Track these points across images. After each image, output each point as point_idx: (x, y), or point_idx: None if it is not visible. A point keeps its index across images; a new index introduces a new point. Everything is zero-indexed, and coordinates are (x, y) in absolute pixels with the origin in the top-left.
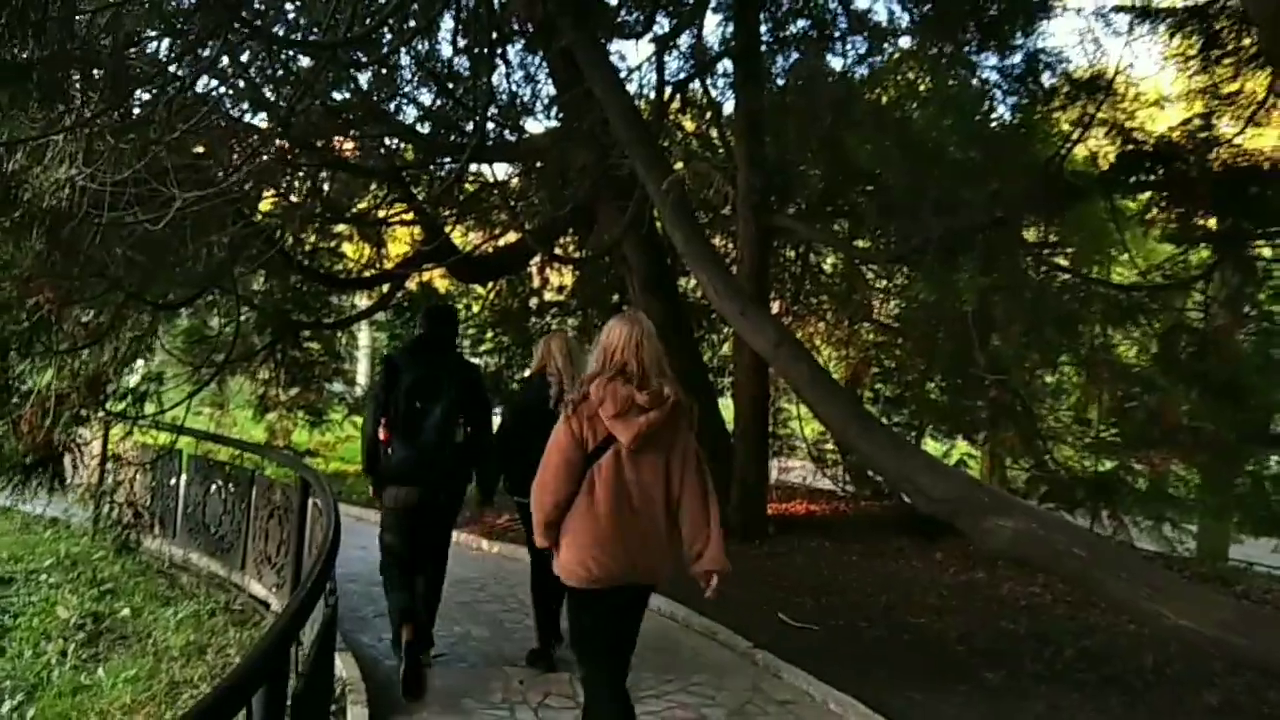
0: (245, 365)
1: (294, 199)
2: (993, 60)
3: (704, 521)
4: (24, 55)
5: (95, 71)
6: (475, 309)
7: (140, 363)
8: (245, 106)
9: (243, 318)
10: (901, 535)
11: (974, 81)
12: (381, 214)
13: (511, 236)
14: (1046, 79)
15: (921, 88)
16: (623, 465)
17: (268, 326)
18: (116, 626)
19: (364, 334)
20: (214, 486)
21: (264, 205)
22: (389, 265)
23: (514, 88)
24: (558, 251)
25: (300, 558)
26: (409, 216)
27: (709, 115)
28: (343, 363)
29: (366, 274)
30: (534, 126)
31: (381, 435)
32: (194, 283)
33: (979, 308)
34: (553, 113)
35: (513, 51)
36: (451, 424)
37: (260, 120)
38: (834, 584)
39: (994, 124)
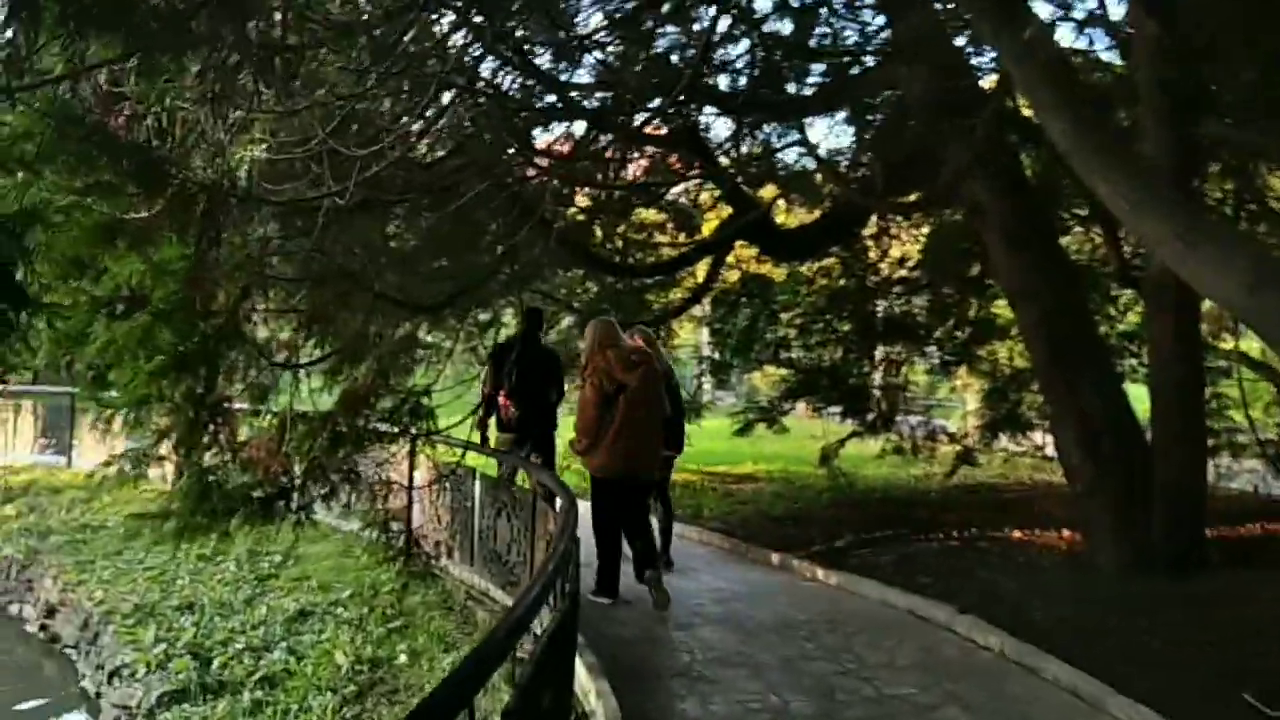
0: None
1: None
2: None
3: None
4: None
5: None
6: (804, 292)
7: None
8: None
9: (565, 323)
10: None
11: None
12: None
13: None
14: None
15: None
16: (631, 401)
17: None
18: (390, 677)
19: (689, 333)
20: (502, 510)
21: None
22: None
23: (838, 31)
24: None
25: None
26: (717, 194)
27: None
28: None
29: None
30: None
31: (501, 399)
32: (455, 283)
33: None
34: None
35: None
36: (546, 390)
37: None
38: None
39: None
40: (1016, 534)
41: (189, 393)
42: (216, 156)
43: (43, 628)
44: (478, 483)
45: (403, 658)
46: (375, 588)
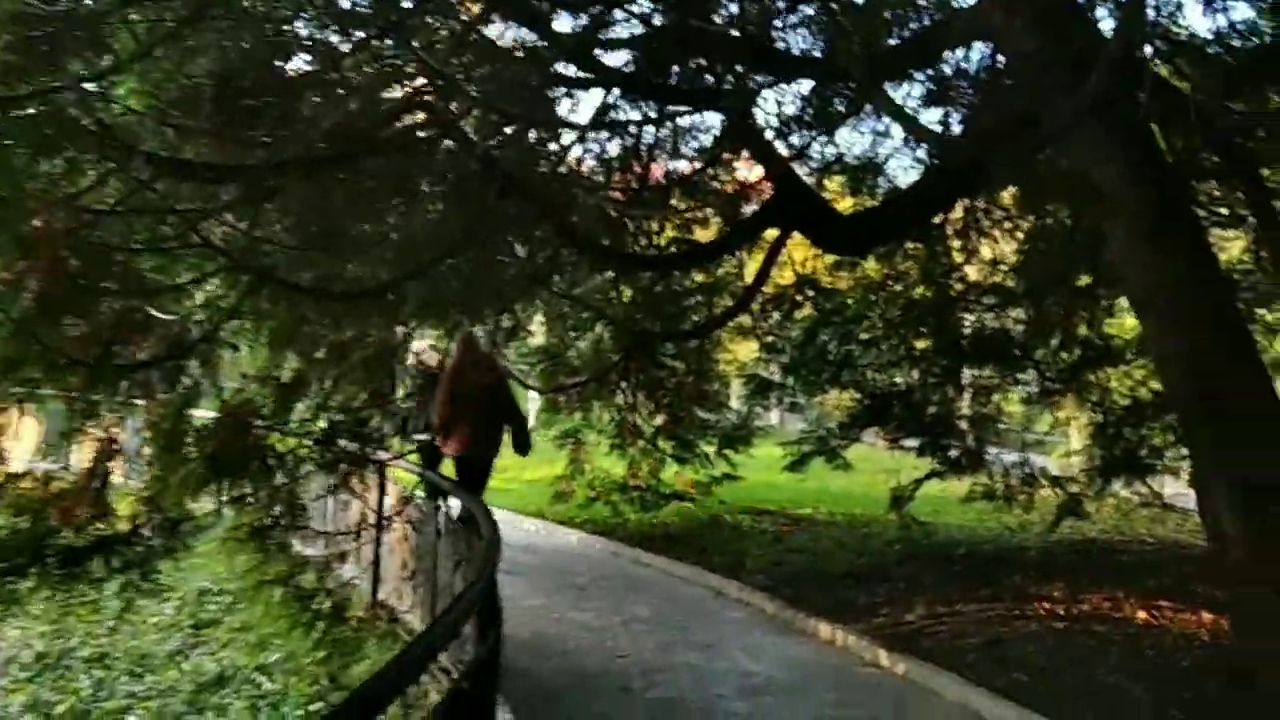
0: (601, 388)
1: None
2: None
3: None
4: None
5: None
6: (874, 300)
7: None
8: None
9: (598, 331)
10: None
11: None
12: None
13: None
14: None
15: None
16: (479, 399)
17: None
18: None
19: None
20: (460, 563)
21: None
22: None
23: None
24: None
25: None
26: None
27: None
28: (709, 383)
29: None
30: None
31: None
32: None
33: None
34: None
35: None
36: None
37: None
38: None
39: None
40: (1142, 614)
41: None
42: None
43: None
44: (440, 526)
45: None
46: (331, 642)
